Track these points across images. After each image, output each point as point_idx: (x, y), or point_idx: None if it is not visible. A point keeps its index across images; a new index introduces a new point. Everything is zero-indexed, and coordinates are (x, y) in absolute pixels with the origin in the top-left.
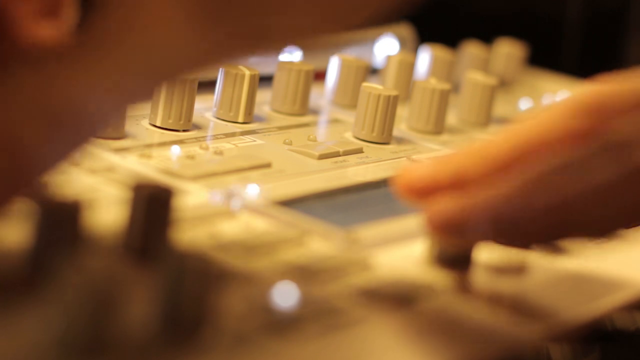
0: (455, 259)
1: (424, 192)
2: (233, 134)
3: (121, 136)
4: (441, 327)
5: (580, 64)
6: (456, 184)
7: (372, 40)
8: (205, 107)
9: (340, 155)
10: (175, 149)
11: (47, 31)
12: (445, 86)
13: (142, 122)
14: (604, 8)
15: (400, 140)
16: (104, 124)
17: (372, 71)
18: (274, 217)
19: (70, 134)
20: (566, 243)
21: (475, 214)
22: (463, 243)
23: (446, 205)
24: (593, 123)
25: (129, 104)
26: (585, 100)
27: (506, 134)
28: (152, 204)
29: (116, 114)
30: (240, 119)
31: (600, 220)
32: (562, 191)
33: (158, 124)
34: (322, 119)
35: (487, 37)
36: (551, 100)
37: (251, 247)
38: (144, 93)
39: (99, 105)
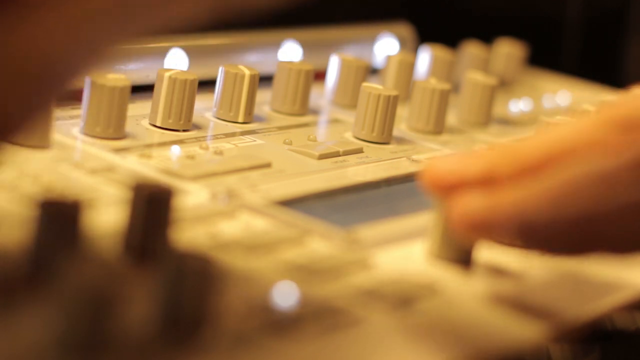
0: (456, 258)
1: (451, 187)
2: (233, 134)
3: (121, 136)
4: (441, 327)
5: (580, 64)
6: (485, 181)
7: (372, 40)
8: (205, 107)
9: (340, 155)
10: (175, 149)
11: None
12: (445, 86)
13: (142, 122)
14: (604, 8)
15: (400, 140)
16: (71, 76)
17: (372, 71)
18: (274, 217)
19: (37, 85)
20: (589, 257)
21: (503, 216)
22: (487, 242)
23: (474, 203)
24: (622, 137)
25: (95, 56)
26: (616, 113)
27: (538, 137)
28: (152, 204)
29: (83, 66)
30: (240, 119)
31: (628, 237)
32: (593, 203)
33: (158, 124)
34: (322, 119)
35: (487, 37)
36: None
37: (251, 247)
38: (109, 43)
39: (65, 53)
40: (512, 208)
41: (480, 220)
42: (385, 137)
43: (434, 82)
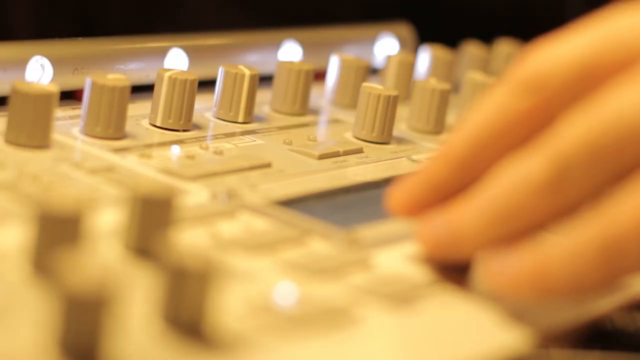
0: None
1: (412, 210)
2: (233, 134)
3: (121, 136)
4: (441, 327)
5: None
6: (436, 196)
7: (372, 40)
8: (205, 107)
9: (340, 155)
10: (175, 149)
11: None
12: (445, 86)
13: (142, 122)
14: (604, 8)
15: (400, 140)
16: None
17: (372, 71)
18: (274, 217)
19: None
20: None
21: (460, 232)
22: (462, 257)
23: (433, 226)
24: (536, 101)
25: None
26: (522, 77)
27: (461, 128)
28: (152, 204)
29: None
30: (240, 119)
31: None
32: (536, 215)
33: (158, 124)
34: (322, 119)
35: (487, 37)
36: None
37: (251, 247)
38: None
39: None
40: (465, 222)
41: (442, 241)
42: (385, 137)
43: (434, 82)
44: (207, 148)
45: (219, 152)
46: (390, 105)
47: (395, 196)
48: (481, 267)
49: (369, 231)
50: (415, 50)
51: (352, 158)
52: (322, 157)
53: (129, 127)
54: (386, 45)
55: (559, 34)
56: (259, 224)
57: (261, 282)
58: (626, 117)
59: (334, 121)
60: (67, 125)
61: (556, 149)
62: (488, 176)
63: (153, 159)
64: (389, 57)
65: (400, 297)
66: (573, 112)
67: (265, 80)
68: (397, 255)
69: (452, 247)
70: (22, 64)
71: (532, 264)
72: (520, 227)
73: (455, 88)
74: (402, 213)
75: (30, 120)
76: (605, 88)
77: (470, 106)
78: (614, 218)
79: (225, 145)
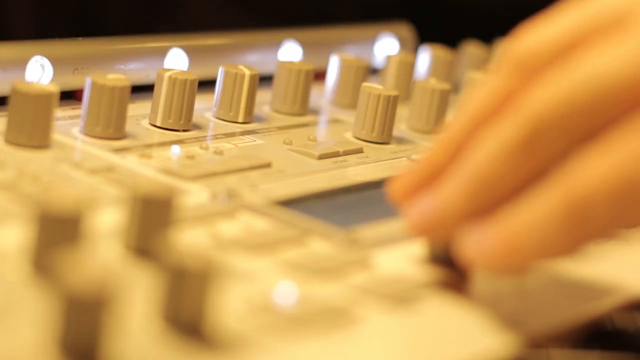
0: (451, 258)
1: (411, 195)
2: (233, 134)
3: (121, 136)
4: (441, 327)
5: None
6: (432, 178)
7: (372, 40)
8: (205, 107)
9: (340, 155)
10: (175, 149)
11: None
12: (445, 86)
13: (142, 122)
14: None
15: (400, 140)
16: None
17: (372, 71)
18: (274, 217)
19: None
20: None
21: (443, 208)
22: (447, 241)
23: (419, 207)
24: (526, 78)
25: None
26: (512, 58)
27: (458, 115)
28: (152, 204)
29: None
30: (240, 119)
31: None
32: (512, 181)
33: (158, 124)
34: (322, 119)
35: (487, 37)
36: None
37: (251, 247)
38: None
39: None
40: (446, 203)
41: (427, 222)
42: (385, 137)
43: (434, 82)
44: (207, 148)
45: (219, 152)
46: (390, 105)
47: (396, 185)
48: (459, 243)
49: (369, 231)
50: (415, 50)
51: (352, 158)
52: (322, 157)
53: (129, 127)
54: (386, 45)
55: (546, 15)
56: (259, 224)
57: (261, 282)
58: (598, 76)
59: (334, 121)
60: (67, 125)
61: (528, 110)
62: (467, 149)
63: (153, 159)
64: (389, 57)
65: (400, 297)
66: (547, 76)
67: (265, 80)
68: (397, 255)
69: (437, 226)
70: (22, 64)
71: (502, 235)
72: (498, 196)
73: (455, 88)
74: (404, 200)
75: (30, 120)
76: (580, 52)
77: (465, 98)
78: (578, 181)
79: (225, 145)
